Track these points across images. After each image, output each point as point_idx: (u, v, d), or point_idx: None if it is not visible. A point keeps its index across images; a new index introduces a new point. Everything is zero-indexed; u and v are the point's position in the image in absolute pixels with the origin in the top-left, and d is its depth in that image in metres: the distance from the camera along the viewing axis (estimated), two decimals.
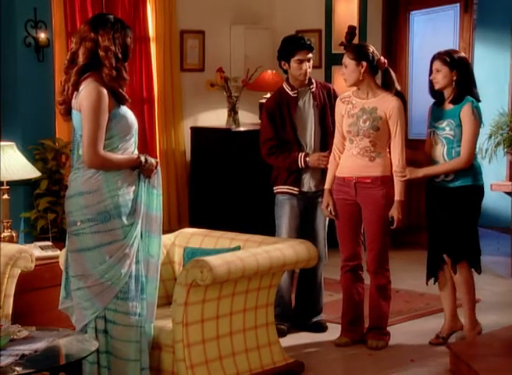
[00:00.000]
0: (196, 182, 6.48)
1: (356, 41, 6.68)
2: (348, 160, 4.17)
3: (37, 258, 4.02)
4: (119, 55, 3.24)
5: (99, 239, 3.25)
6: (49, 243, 4.58)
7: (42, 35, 5.17)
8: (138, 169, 3.32)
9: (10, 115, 5.19)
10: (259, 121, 6.81)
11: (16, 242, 4.45)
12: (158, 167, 3.39)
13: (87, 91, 3.21)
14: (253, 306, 3.69)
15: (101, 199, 3.25)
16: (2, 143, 4.54)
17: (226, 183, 6.26)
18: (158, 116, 6.24)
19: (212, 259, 3.45)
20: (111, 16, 3.34)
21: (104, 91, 3.19)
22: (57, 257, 3.92)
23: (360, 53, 4.16)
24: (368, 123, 4.09)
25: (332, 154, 4.25)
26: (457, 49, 5.48)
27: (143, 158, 3.30)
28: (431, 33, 6.69)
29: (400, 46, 6.79)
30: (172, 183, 6.31)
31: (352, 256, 4.27)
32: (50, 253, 4.38)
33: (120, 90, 3.24)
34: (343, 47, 6.75)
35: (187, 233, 4.10)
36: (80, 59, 3.25)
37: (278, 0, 7.02)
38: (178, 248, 4.01)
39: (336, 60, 6.70)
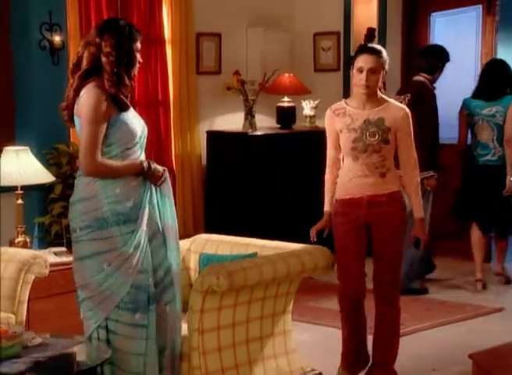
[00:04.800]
0: (212, 187, 6.49)
1: (375, 43, 6.69)
2: (353, 181, 3.73)
3: (51, 264, 4.03)
4: (122, 61, 3.23)
5: (97, 247, 3.24)
6: (63, 248, 4.60)
7: (57, 38, 5.22)
8: (144, 177, 3.30)
9: (24, 119, 5.23)
10: (276, 125, 6.83)
11: (30, 248, 4.48)
12: (166, 174, 3.35)
13: (85, 97, 3.22)
14: (270, 313, 3.69)
15: (98, 206, 3.23)
16: (16, 147, 4.58)
17: (243, 188, 6.26)
18: (173, 120, 6.26)
19: (228, 265, 3.45)
20: (121, 21, 3.34)
21: (103, 97, 3.19)
22: (71, 263, 3.93)
23: (386, 58, 3.71)
24: (377, 136, 3.68)
25: (328, 171, 3.84)
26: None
27: (145, 165, 3.27)
28: (452, 36, 6.66)
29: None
30: (187, 188, 6.32)
31: (357, 293, 3.81)
32: (64, 259, 4.40)
33: (121, 96, 3.23)
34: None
35: (203, 239, 4.11)
36: (83, 64, 3.27)
37: (296, 2, 7.02)
38: (193, 254, 4.02)
39: None
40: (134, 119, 3.33)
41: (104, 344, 3.24)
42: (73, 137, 5.38)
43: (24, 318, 3.80)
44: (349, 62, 7.05)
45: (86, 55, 3.26)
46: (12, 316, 3.73)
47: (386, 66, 3.71)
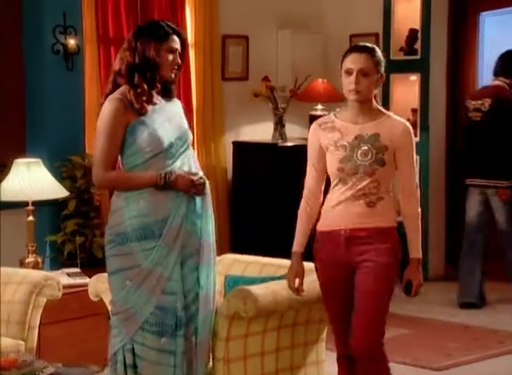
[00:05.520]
0: (238, 202, 6.50)
1: (418, 45, 6.69)
2: (337, 209, 3.31)
3: (64, 287, 4.06)
4: (136, 64, 3.29)
5: (119, 263, 3.30)
6: (77, 269, 4.64)
7: (71, 41, 5.27)
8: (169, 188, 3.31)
9: (36, 129, 5.29)
10: (308, 135, 6.81)
11: (42, 268, 4.51)
12: (206, 184, 3.36)
13: (103, 107, 3.33)
14: (301, 342, 3.67)
15: (120, 220, 3.30)
16: (27, 159, 4.63)
17: (272, 204, 6.25)
18: (196, 130, 6.28)
19: (256, 289, 3.45)
20: (152, 23, 3.43)
21: (122, 105, 3.27)
22: (86, 285, 3.96)
23: (381, 59, 3.35)
24: (370, 155, 3.26)
25: (302, 202, 3.42)
26: None
27: (160, 178, 3.26)
28: (503, 37, 6.62)
29: (469, 51, 6.74)
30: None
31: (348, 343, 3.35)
32: (78, 281, 4.44)
33: (137, 101, 3.28)
34: (402, 52, 6.77)
35: (229, 259, 4.11)
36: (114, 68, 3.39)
37: (328, 2, 7.04)
38: (218, 275, 4.01)
39: (396, 67, 6.68)
40: (165, 124, 3.34)
41: (121, 372, 3.26)
42: (89, 148, 5.42)
43: (35, 345, 3.83)
44: (389, 66, 7.08)
45: (117, 59, 3.38)
46: (22, 342, 3.76)
47: (382, 70, 3.33)
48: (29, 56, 5.30)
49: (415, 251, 3.33)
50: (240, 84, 6.59)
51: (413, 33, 6.65)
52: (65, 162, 5.16)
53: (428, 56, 6.58)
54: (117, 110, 3.26)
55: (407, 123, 3.37)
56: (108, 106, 3.29)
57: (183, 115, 3.45)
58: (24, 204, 4.53)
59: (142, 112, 3.29)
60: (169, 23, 3.42)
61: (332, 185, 3.35)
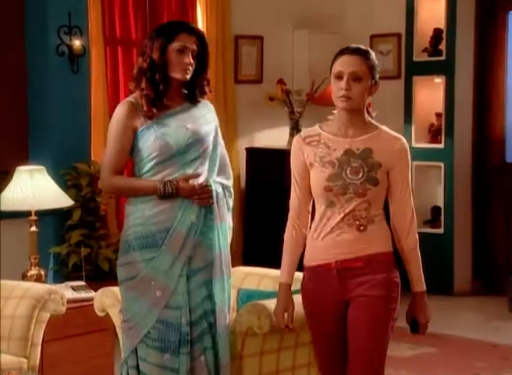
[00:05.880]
0: (251, 212, 6.51)
1: (443, 46, 6.70)
2: (325, 239, 3.09)
3: (69, 301, 4.08)
4: (143, 68, 3.34)
5: (124, 272, 3.35)
6: (82, 283, 4.65)
7: (77, 42, 5.31)
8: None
9: (39, 134, 5.33)
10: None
11: (45, 282, 4.53)
12: (213, 193, 3.35)
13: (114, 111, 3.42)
14: None
15: (126, 228, 3.36)
16: (30, 167, 4.65)
17: (287, 213, 6.25)
18: None
19: (271, 304, 3.45)
20: (164, 23, 3.49)
21: (127, 108, 3.33)
22: (91, 299, 3.97)
23: (375, 63, 3.11)
24: (361, 173, 3.04)
25: (288, 227, 3.23)
26: None
27: (160, 186, 3.28)
28: None
29: (497, 52, 6.73)
30: None
31: None
32: (83, 295, 4.45)
33: (145, 104, 3.32)
34: (426, 53, 6.77)
35: (242, 272, 4.12)
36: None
37: (348, 0, 7.06)
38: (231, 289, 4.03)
39: (419, 69, 6.70)
40: (179, 129, 3.36)
41: None
42: (95, 154, 5.46)
43: (37, 362, 3.84)
44: (412, 68, 7.12)
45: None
46: (25, 360, 3.77)
47: (376, 76, 3.11)
48: (32, 58, 5.34)
49: (417, 285, 3.15)
50: (253, 87, 6.61)
51: (437, 33, 6.66)
52: (70, 169, 5.19)
53: (453, 57, 6.58)
54: (126, 114, 3.32)
55: (404, 140, 3.14)
56: (118, 109, 3.36)
57: (209, 119, 3.46)
58: (27, 213, 4.55)
59: (150, 116, 3.33)
60: (183, 22, 3.47)
61: (317, 210, 3.10)
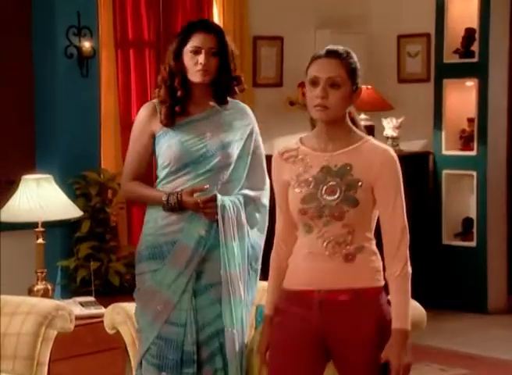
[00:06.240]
0: (271, 223, 6.50)
1: (475, 47, 6.68)
2: (304, 261, 2.90)
3: (77, 318, 4.08)
4: (163, 73, 3.40)
5: (137, 284, 3.43)
6: (91, 298, 4.66)
7: (86, 44, 5.34)
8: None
9: (47, 141, 5.35)
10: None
11: (52, 297, 4.55)
12: (218, 208, 3.31)
13: None
14: None
15: (141, 237, 3.44)
16: (37, 175, 4.67)
17: None
18: None
19: None
20: (183, 26, 3.49)
21: (147, 112, 3.40)
22: (101, 316, 3.98)
23: (356, 66, 2.90)
24: (338, 194, 2.85)
25: (273, 252, 3.05)
26: None
27: (164, 198, 3.31)
28: None
29: None
30: None
31: None
32: (93, 311, 4.46)
33: (163, 112, 3.35)
34: (457, 55, 6.75)
35: (260, 287, 4.12)
36: None
37: None
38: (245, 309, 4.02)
39: (450, 71, 6.68)
40: (197, 137, 3.37)
41: None
42: (105, 162, 5.48)
43: None
44: (442, 70, 7.11)
45: None
46: None
47: (358, 81, 2.89)
48: (39, 60, 5.37)
49: (399, 321, 2.83)
50: (273, 91, 6.62)
51: (469, 33, 6.64)
52: (79, 178, 5.22)
53: (486, 59, 6.56)
54: (144, 117, 3.40)
55: (391, 151, 2.89)
56: (140, 111, 3.44)
57: (237, 126, 3.43)
58: (33, 225, 4.57)
59: (165, 125, 3.36)
60: (199, 20, 3.48)
61: (299, 233, 2.95)
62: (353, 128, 2.93)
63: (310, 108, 2.89)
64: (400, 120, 6.66)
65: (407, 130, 6.73)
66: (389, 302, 2.89)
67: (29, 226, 4.60)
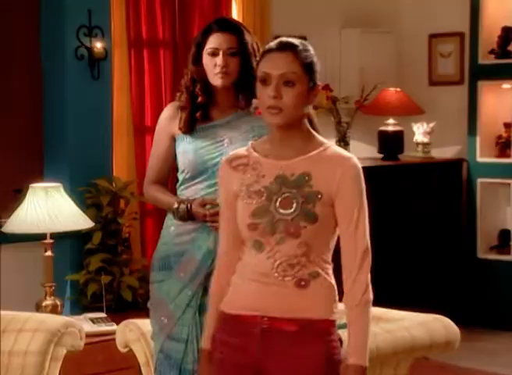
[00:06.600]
0: None
1: None
2: (249, 283, 2.69)
3: (88, 335, 4.09)
4: (185, 75, 3.45)
5: (150, 291, 3.51)
6: (103, 314, 4.68)
7: (98, 45, 5.36)
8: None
9: (56, 147, 5.37)
10: (377, 155, 6.82)
11: (61, 313, 4.57)
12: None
13: None
14: None
15: (158, 244, 3.51)
16: (46, 184, 4.69)
17: None
18: None
19: None
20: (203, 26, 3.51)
21: (169, 112, 3.46)
22: (113, 333, 4.00)
23: (313, 60, 2.72)
24: (294, 207, 2.65)
25: (214, 279, 2.82)
26: None
27: (175, 205, 3.35)
28: None
29: None
30: None
31: None
32: (104, 328, 4.48)
33: (183, 118, 3.39)
34: (493, 55, 6.73)
35: None
36: None
37: None
38: None
39: (485, 73, 6.65)
40: (210, 146, 3.39)
41: None
42: (117, 170, 5.49)
43: None
44: (476, 72, 7.08)
45: None
46: None
47: (316, 77, 2.71)
48: (47, 62, 5.39)
49: (356, 355, 2.65)
50: None
51: (506, 32, 6.63)
52: (90, 186, 5.23)
53: None
54: (166, 118, 3.46)
55: (355, 159, 2.72)
56: (162, 112, 3.50)
57: (262, 132, 3.31)
58: (41, 236, 4.59)
59: (184, 131, 3.40)
60: (216, 19, 3.47)
61: (246, 252, 2.72)
62: (313, 132, 2.76)
63: (262, 110, 2.69)
64: (431, 125, 6.65)
65: (439, 136, 6.71)
66: (340, 340, 2.71)
67: (37, 237, 4.62)
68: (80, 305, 5.08)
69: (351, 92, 6.62)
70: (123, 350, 3.77)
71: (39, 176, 5.19)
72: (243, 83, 3.33)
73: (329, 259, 2.71)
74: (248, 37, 3.38)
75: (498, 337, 6.09)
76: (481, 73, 6.72)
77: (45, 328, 3.88)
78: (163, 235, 3.46)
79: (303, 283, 2.65)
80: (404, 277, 6.35)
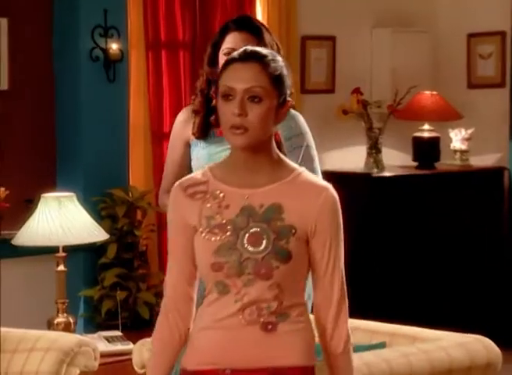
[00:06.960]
0: None
1: None
2: (210, 332, 2.50)
3: (102, 355, 4.10)
4: (202, 85, 3.49)
5: None
6: (118, 333, 4.68)
7: (114, 46, 5.39)
8: None
9: (69, 155, 5.39)
10: (412, 163, 6.80)
11: (74, 331, 4.58)
12: None
13: None
14: None
15: None
16: (58, 194, 4.71)
17: (365, 249, 6.24)
18: None
19: None
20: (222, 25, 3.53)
21: (182, 117, 3.53)
22: (129, 352, 4.01)
23: (283, 72, 2.51)
24: (265, 243, 2.47)
25: (160, 322, 2.63)
26: None
27: None
28: None
29: None
30: None
31: None
32: (119, 347, 4.48)
33: (196, 123, 3.44)
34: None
35: None
36: None
37: None
38: None
39: None
40: (222, 153, 3.38)
41: None
42: (134, 179, 5.51)
43: None
44: None
45: None
46: None
47: (287, 91, 2.52)
48: (61, 64, 5.42)
49: None
50: (324, 98, 6.62)
51: None
52: (105, 196, 5.25)
53: None
54: (180, 123, 3.52)
55: (332, 190, 2.54)
56: (176, 118, 3.56)
57: (284, 136, 3.44)
58: (53, 249, 4.61)
59: (197, 137, 3.45)
60: (235, 18, 3.49)
61: (208, 296, 2.52)
62: (281, 156, 2.55)
63: (224, 130, 2.49)
64: (470, 131, 6.62)
65: (479, 143, 6.68)
66: None
67: (49, 250, 4.64)
68: (94, 323, 5.09)
69: (383, 96, 6.61)
70: (140, 371, 3.77)
71: (51, 185, 5.21)
72: None
73: (303, 299, 2.53)
74: (268, 38, 3.35)
75: None
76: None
77: (57, 347, 3.89)
78: None
79: (270, 326, 2.46)
80: (440, 295, 6.32)
